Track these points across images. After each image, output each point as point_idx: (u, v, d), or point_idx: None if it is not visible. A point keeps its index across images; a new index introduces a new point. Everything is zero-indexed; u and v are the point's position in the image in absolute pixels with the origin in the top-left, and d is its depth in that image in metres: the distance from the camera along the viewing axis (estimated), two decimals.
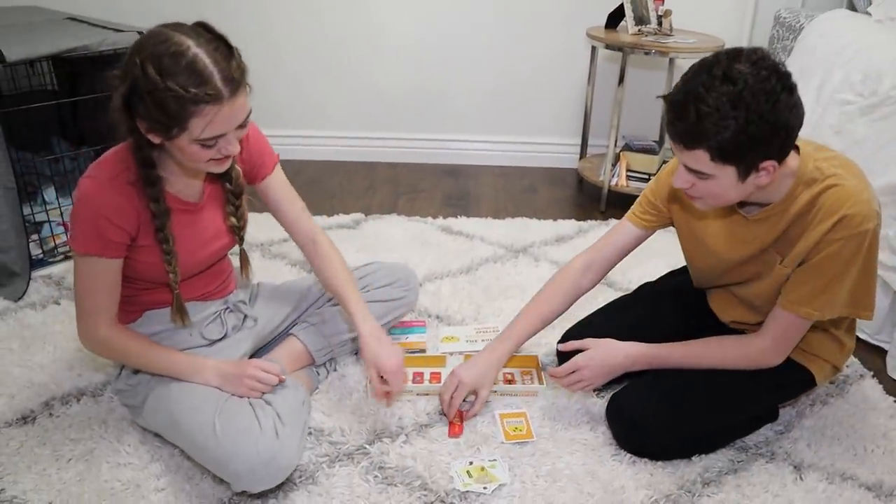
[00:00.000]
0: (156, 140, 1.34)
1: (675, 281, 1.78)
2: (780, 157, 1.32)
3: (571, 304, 1.75)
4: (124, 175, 1.39)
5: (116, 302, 1.49)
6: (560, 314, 1.75)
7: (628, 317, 1.81)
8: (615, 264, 1.75)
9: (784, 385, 1.65)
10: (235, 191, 1.56)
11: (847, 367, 1.91)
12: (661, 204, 1.65)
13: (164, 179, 1.44)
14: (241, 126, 1.36)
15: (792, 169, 1.40)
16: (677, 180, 1.40)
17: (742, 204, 1.49)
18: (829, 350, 1.63)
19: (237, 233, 1.61)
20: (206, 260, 1.59)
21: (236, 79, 1.30)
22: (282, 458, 1.40)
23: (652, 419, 1.56)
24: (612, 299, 1.95)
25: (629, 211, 1.73)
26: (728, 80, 1.25)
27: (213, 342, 1.63)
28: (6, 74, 2.09)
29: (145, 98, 1.26)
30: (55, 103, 2.59)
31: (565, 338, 1.78)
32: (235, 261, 1.73)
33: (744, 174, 1.32)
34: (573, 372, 1.64)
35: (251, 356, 1.71)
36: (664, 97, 1.35)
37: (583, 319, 1.87)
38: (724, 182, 1.34)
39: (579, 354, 1.65)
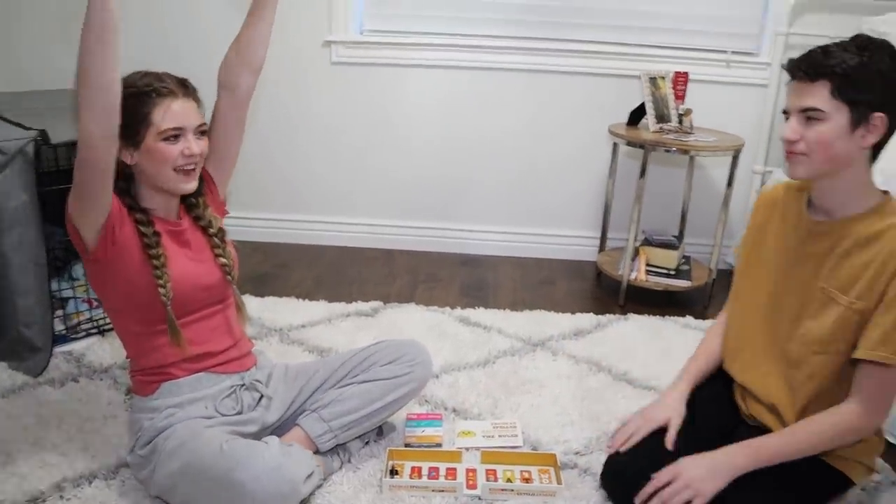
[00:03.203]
0: (129, 158, 1.51)
1: (703, 393, 1.75)
2: (892, 112, 1.40)
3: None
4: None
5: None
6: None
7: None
8: None
9: (815, 489, 1.58)
10: (218, 234, 1.68)
11: (878, 472, 1.85)
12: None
13: (149, 211, 1.58)
14: (202, 133, 1.57)
15: (878, 198, 1.46)
16: (787, 131, 1.46)
17: (811, 205, 1.56)
18: (860, 450, 1.58)
19: (228, 272, 1.68)
20: (201, 290, 1.63)
21: (188, 86, 1.55)
22: (287, 469, 1.46)
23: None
24: (630, 396, 1.91)
25: None
26: (853, 39, 1.41)
27: (225, 417, 1.64)
28: (50, 154, 2.17)
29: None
30: None
31: (611, 462, 1.69)
32: (256, 346, 1.74)
33: (855, 122, 1.39)
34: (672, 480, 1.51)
35: None
36: (790, 59, 1.47)
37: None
38: (835, 127, 1.40)
39: (674, 464, 1.54)
